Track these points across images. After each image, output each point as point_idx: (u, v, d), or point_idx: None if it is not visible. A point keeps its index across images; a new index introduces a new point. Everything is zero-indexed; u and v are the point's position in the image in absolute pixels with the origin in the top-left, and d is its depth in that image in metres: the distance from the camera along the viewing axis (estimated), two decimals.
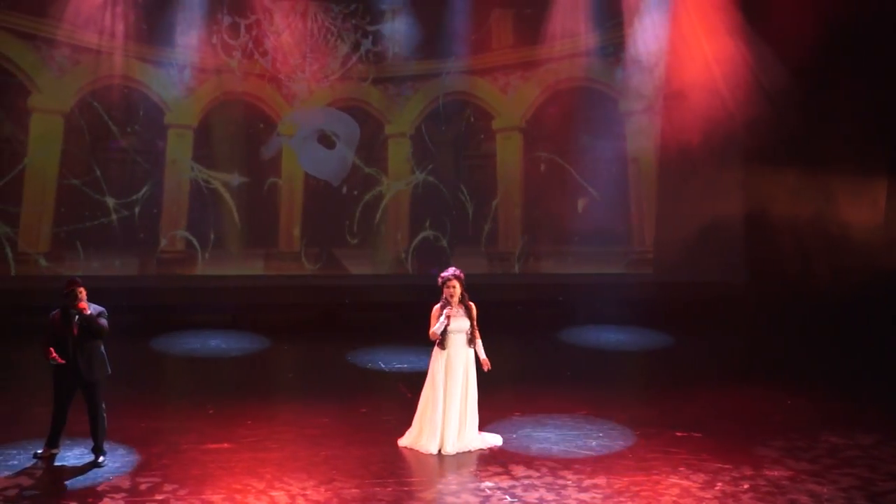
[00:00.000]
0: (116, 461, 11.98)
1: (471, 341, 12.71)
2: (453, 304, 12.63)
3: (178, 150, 20.92)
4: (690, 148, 21.18)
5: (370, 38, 21.52)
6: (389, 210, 21.89)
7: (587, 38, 22.02)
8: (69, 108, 20.32)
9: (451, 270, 12.81)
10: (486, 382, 13.14)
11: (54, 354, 11.91)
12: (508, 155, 22.39)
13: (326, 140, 21.57)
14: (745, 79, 20.88)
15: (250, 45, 20.93)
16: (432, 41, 21.67)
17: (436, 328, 12.57)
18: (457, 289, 12.64)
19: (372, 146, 21.86)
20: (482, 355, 12.79)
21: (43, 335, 12.09)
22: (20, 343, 16.90)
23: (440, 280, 12.74)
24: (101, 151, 20.58)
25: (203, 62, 20.83)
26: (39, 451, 12.11)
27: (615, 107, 22.37)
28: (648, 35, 21.98)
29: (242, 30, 20.89)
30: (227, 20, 20.80)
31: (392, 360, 17.24)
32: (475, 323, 12.74)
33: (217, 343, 18.88)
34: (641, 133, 22.44)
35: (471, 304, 12.75)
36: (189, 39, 20.61)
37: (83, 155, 20.48)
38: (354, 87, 21.65)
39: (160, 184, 20.88)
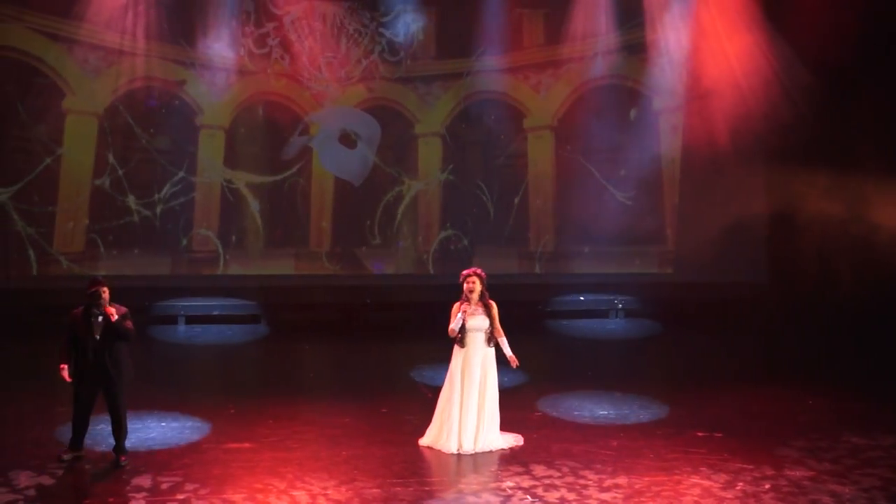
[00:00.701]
0: (137, 460, 12.01)
1: (490, 340, 12.69)
2: (472, 301, 12.63)
3: (210, 150, 21.05)
4: (713, 147, 21.14)
5: (398, 37, 21.56)
6: (419, 209, 21.92)
7: (618, 35, 21.97)
8: (103, 110, 20.50)
9: (471, 269, 12.86)
10: (507, 382, 13.15)
11: (65, 374, 11.93)
12: (539, 154, 22.33)
13: (348, 140, 21.60)
14: (768, 78, 20.83)
15: (275, 49, 21.01)
16: (463, 40, 21.68)
17: (453, 325, 12.58)
18: (476, 285, 12.63)
19: (401, 146, 21.90)
20: (508, 352, 12.75)
21: (63, 334, 12.05)
22: (43, 342, 16.95)
23: (461, 277, 12.76)
24: (133, 152, 20.75)
25: (234, 64, 20.98)
26: (65, 456, 12.10)
27: (648, 105, 22.34)
28: (671, 34, 21.94)
29: (270, 32, 20.98)
30: (254, 23, 20.91)
31: (417, 362, 17.22)
32: (497, 322, 12.74)
33: (238, 342, 18.95)
34: (670, 132, 22.39)
35: (491, 302, 12.73)
36: (220, 42, 20.77)
37: (116, 156, 20.63)
38: (384, 86, 21.71)
39: (192, 184, 21.03)
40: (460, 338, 12.63)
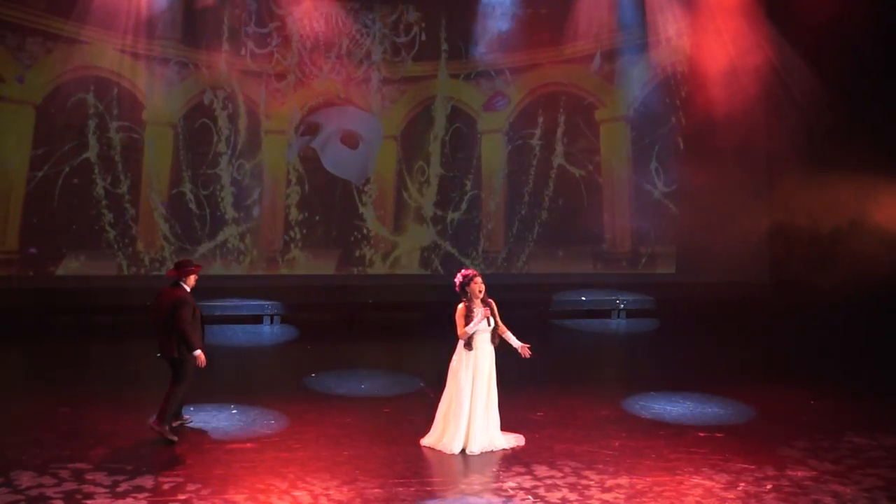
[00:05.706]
0: (140, 461, 12.00)
1: (494, 339, 12.68)
2: (479, 302, 12.59)
3: (275, 153, 21.32)
4: (714, 147, 21.17)
5: (462, 32, 21.72)
6: (483, 208, 22.00)
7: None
8: (177, 120, 21.12)
9: (470, 269, 12.79)
10: (509, 382, 13.15)
11: (202, 357, 12.62)
12: (612, 147, 22.27)
13: (349, 140, 21.65)
14: (770, 79, 20.85)
15: (310, 54, 21.32)
16: (527, 31, 21.71)
17: (476, 326, 12.48)
18: (483, 285, 12.62)
19: (466, 144, 21.92)
20: (516, 343, 12.74)
21: (184, 316, 12.48)
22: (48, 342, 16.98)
23: (462, 278, 12.65)
24: (204, 157, 21.19)
25: (296, 69, 21.30)
26: (173, 437, 12.60)
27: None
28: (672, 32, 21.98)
29: (320, 34, 21.29)
30: (319, 29, 21.22)
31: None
32: (497, 318, 12.72)
33: (242, 342, 18.98)
34: None
35: (490, 300, 12.71)
36: (281, 49, 21.35)
37: (190, 162, 21.20)
38: (446, 83, 21.77)
39: (262, 188, 21.43)
40: (468, 340, 12.58)
